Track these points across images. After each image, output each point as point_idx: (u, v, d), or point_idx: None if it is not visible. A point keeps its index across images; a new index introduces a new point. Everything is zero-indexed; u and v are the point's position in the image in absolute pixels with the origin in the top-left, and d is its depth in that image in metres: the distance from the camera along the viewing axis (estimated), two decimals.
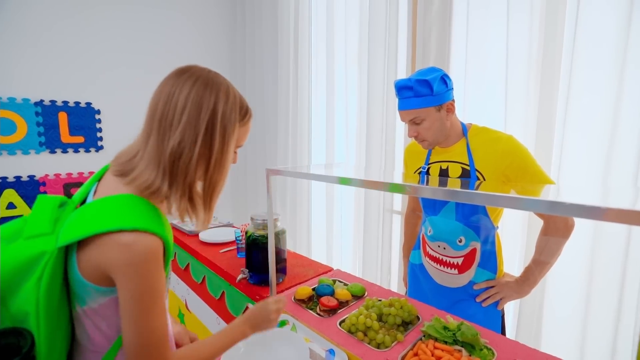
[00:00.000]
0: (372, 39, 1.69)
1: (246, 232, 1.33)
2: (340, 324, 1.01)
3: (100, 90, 2.16)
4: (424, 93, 1.02)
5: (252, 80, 2.56)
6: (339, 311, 1.09)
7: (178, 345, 0.92)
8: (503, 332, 1.16)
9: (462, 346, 0.86)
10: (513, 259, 1.30)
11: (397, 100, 1.11)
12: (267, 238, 1.27)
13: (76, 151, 2.12)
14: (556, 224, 1.04)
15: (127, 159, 0.62)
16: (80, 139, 2.13)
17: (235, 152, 0.71)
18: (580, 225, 1.02)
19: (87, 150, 2.15)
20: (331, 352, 0.89)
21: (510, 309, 1.31)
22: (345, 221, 2.04)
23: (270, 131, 2.43)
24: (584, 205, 0.47)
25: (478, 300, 1.14)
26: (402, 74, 1.61)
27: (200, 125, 0.60)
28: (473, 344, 0.85)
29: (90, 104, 2.14)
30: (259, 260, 1.30)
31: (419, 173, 1.22)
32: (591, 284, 1.13)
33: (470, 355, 0.83)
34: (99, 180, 0.66)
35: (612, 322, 1.08)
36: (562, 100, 1.16)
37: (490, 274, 1.13)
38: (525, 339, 1.23)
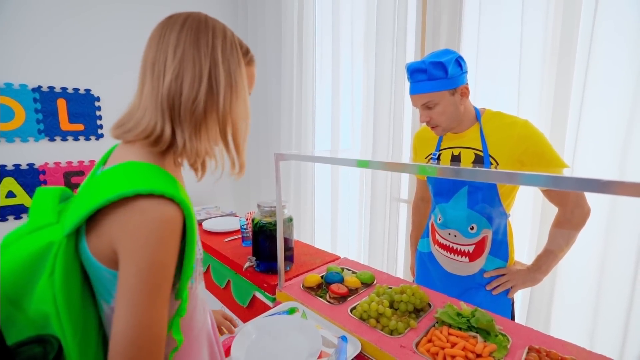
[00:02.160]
0: (379, 22, 1.65)
1: (253, 220, 1.31)
2: (351, 311, 1.00)
3: (100, 77, 2.11)
4: (438, 76, 0.99)
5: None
6: (349, 298, 1.08)
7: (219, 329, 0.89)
8: (513, 320, 1.15)
9: (476, 332, 0.85)
10: (524, 247, 1.29)
11: (407, 84, 1.08)
12: (274, 225, 1.26)
13: (76, 139, 2.08)
14: (571, 212, 1.02)
15: (127, 119, 0.57)
16: (80, 127, 2.08)
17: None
18: (594, 213, 1.01)
19: (87, 139, 2.11)
20: (344, 338, 0.88)
21: (520, 296, 1.31)
22: (350, 210, 2.02)
23: (273, 119, 2.40)
24: (600, 179, 0.47)
25: (488, 288, 1.13)
26: (411, 59, 1.58)
27: (202, 62, 0.54)
28: (488, 330, 0.84)
29: (90, 90, 2.09)
30: (266, 248, 1.29)
31: (430, 160, 1.20)
32: (603, 272, 1.12)
33: (485, 341, 0.82)
34: (105, 163, 0.61)
35: (624, 311, 1.08)
36: (578, 87, 1.13)
37: (501, 262, 1.12)
38: (535, 326, 1.23)
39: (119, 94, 2.14)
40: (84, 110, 2.09)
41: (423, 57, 1.50)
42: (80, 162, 2.11)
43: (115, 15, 2.14)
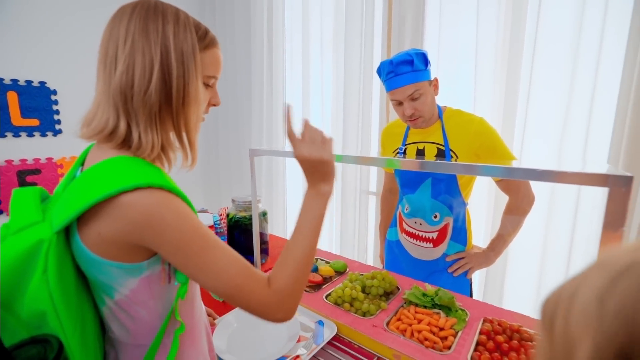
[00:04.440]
0: (348, 22, 1.71)
1: (228, 215, 1.33)
2: (326, 298, 1.06)
3: (56, 69, 1.98)
4: (421, 67, 1.06)
5: (223, 64, 2.48)
6: (323, 286, 1.14)
7: None
8: (471, 297, 1.28)
9: (439, 309, 0.94)
10: (480, 232, 1.42)
11: (375, 82, 1.15)
12: (249, 219, 1.29)
13: (30, 135, 1.95)
14: (521, 199, 1.15)
15: (87, 117, 0.56)
16: (34, 122, 1.95)
17: (210, 87, 0.63)
18: (537, 201, 1.15)
19: (44, 134, 1.98)
20: (320, 323, 0.94)
21: (477, 275, 1.44)
22: None
23: (243, 115, 2.39)
24: (541, 169, 0.56)
25: (450, 270, 1.24)
26: (378, 57, 1.65)
27: (152, 51, 0.52)
28: (449, 306, 0.94)
29: (45, 83, 1.95)
30: (241, 242, 1.31)
31: (397, 154, 1.28)
32: (545, 251, 1.28)
33: (447, 316, 0.91)
34: (82, 164, 0.60)
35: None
36: (524, 85, 1.27)
37: (461, 247, 1.23)
38: (490, 301, 1.37)
39: (79, 87, 2.03)
40: (38, 104, 1.96)
41: (390, 55, 1.58)
42: (36, 160, 1.99)
43: (74, 7, 2.01)
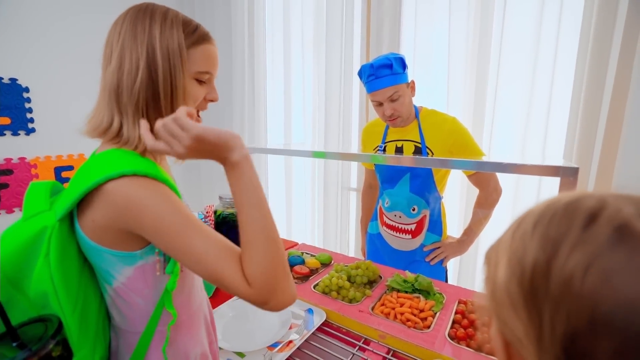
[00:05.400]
0: (329, 25, 1.77)
1: (215, 211, 1.35)
2: (314, 288, 1.12)
3: (28, 65, 1.90)
4: (399, 71, 1.13)
5: None
6: (310, 278, 1.20)
7: None
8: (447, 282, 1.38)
9: (419, 293, 1.03)
10: (454, 223, 1.53)
11: (355, 83, 1.22)
12: (236, 215, 1.32)
13: (1, 134, 1.86)
14: (491, 192, 1.26)
15: (91, 115, 0.59)
16: (5, 120, 1.87)
17: (205, 82, 0.63)
18: (504, 194, 1.26)
19: (15, 133, 1.90)
20: (310, 311, 1.00)
21: (452, 263, 1.56)
22: (305, 199, 2.14)
23: (224, 115, 2.40)
24: (505, 162, 0.64)
25: (427, 259, 1.33)
26: (358, 59, 1.73)
27: (139, 50, 0.55)
28: (428, 290, 1.03)
29: (16, 80, 1.87)
30: (229, 238, 1.34)
31: (377, 151, 1.36)
32: None
33: (426, 300, 1.00)
34: None
35: None
36: (491, 87, 1.39)
37: (437, 237, 1.33)
38: (464, 285, 1.47)
39: (53, 85, 1.97)
40: (9, 101, 1.88)
41: (369, 58, 1.66)
42: (8, 160, 1.91)
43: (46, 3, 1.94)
